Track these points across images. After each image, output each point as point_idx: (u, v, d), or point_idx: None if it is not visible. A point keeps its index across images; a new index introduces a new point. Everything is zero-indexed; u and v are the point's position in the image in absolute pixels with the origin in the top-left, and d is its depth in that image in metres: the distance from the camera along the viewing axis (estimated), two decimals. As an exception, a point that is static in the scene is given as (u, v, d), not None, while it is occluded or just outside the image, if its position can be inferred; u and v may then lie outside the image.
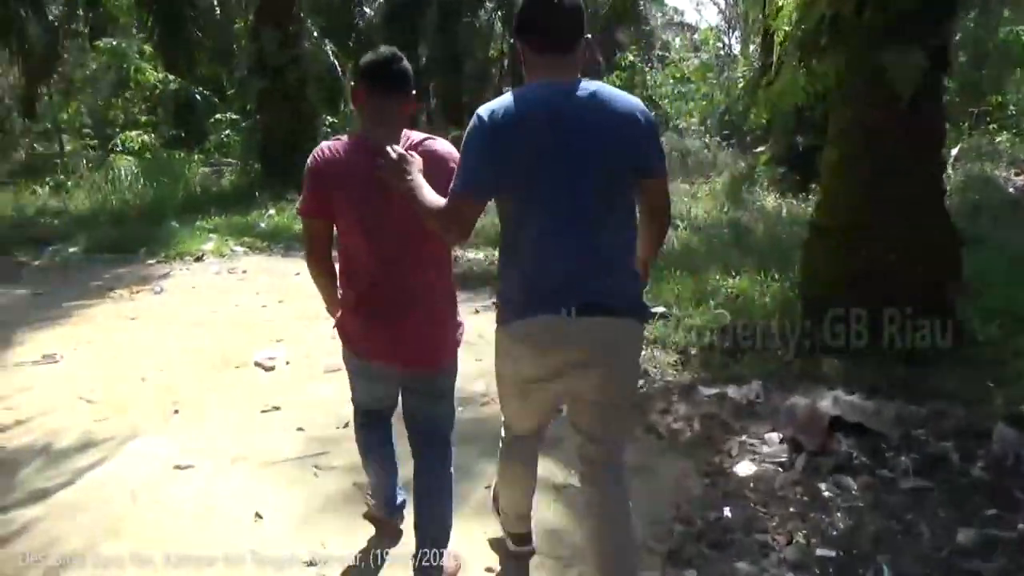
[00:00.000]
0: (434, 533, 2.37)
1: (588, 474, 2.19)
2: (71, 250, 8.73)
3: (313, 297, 2.63)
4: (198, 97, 18.18)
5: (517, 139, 1.94)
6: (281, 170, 13.21)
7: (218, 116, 16.60)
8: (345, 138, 2.31)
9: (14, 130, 21.97)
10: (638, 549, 2.43)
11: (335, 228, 2.32)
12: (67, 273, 7.81)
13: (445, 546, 2.39)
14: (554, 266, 1.96)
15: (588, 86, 1.98)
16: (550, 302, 1.95)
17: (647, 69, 23.65)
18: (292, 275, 7.28)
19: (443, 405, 2.49)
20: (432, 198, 2.02)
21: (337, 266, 2.42)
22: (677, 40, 34.73)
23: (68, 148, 18.50)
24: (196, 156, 16.04)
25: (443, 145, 2.30)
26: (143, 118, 19.16)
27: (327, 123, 17.02)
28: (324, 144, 2.30)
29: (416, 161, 2.11)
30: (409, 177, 2.05)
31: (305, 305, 5.82)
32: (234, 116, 16.43)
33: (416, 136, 2.28)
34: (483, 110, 1.98)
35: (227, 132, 16.20)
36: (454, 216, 1.99)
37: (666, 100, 23.37)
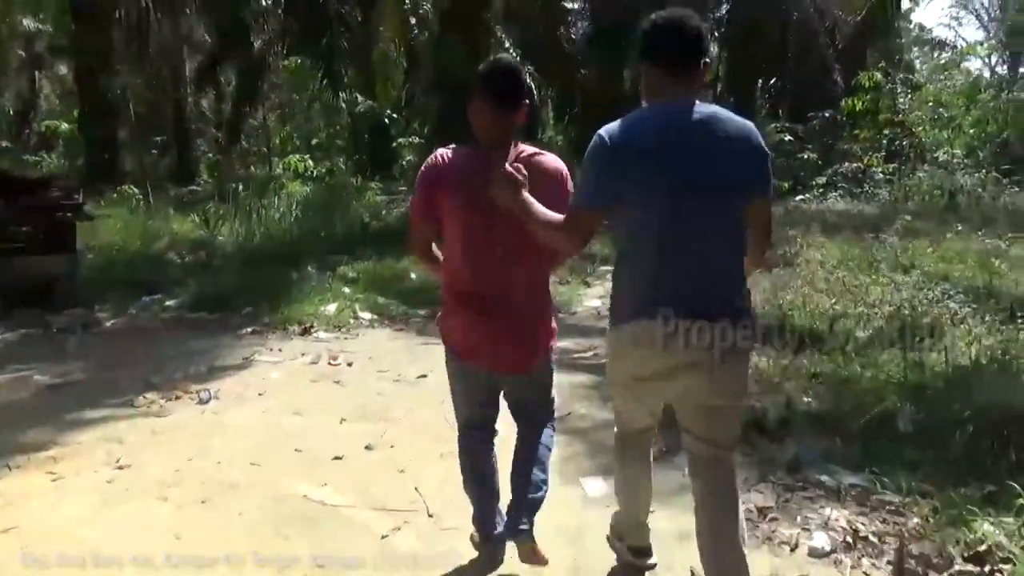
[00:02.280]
0: (530, 503, 2.37)
1: (698, 471, 2.13)
2: (168, 303, 6.60)
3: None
4: (387, 120, 16.48)
5: (635, 159, 1.95)
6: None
7: (401, 140, 14.60)
8: (454, 147, 2.29)
9: (230, 152, 21.65)
10: (744, 541, 2.10)
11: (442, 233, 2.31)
12: (131, 344, 5.54)
13: (537, 510, 2.38)
14: (668, 277, 1.97)
15: (704, 109, 1.97)
16: (663, 308, 1.94)
17: (897, 91, 19.11)
18: (413, 377, 4.54)
19: (544, 393, 2.48)
20: (546, 212, 2.06)
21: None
22: (918, 61, 29.15)
23: (278, 171, 17.49)
24: (373, 184, 14.18)
25: (552, 160, 2.30)
26: (338, 142, 17.96)
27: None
28: (438, 151, 2.30)
29: (525, 178, 2.09)
30: (521, 194, 2.08)
31: (402, 465, 3.05)
32: (419, 140, 14.31)
33: (527, 149, 2.27)
34: (604, 131, 1.99)
35: (409, 158, 14.10)
36: (572, 228, 2.03)
37: (920, 127, 18.69)
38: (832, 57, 21.27)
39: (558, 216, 2.02)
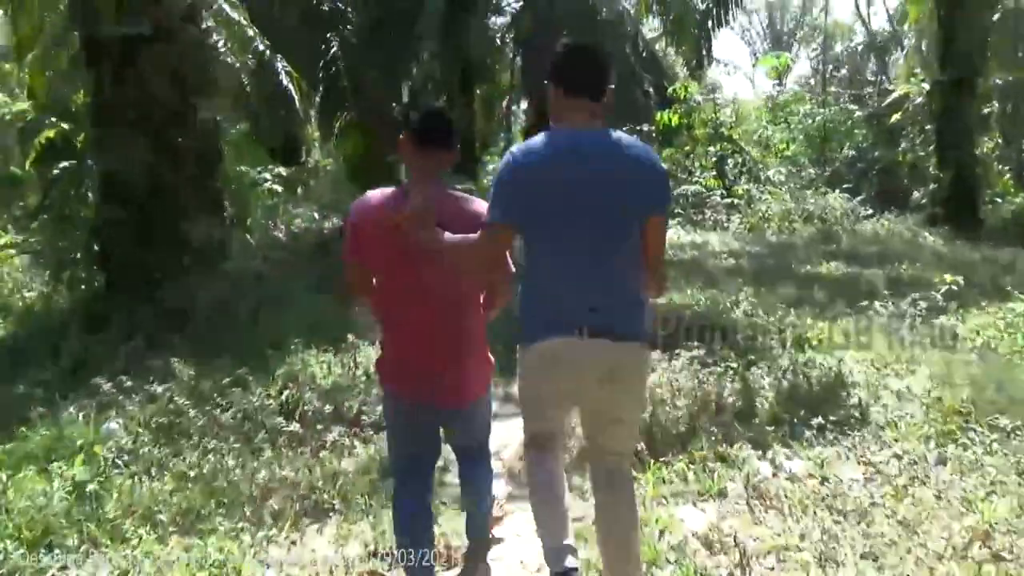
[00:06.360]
0: (480, 523, 2.50)
1: (599, 481, 2.25)
2: None
3: None
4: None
5: (542, 179, 2.02)
6: (145, 286, 5.20)
7: (64, 164, 8.38)
8: (389, 190, 2.27)
9: None
10: (639, 544, 2.31)
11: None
12: None
13: (488, 533, 2.56)
14: (571, 295, 2.04)
15: (610, 134, 2.08)
16: (567, 326, 2.02)
17: (718, 103, 16.56)
18: None
19: (482, 428, 2.48)
20: (458, 238, 2.04)
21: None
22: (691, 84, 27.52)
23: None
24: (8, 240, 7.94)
25: (479, 205, 2.25)
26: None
27: (269, 179, 9.16)
28: (368, 193, 2.28)
29: (431, 212, 2.05)
30: (430, 229, 2.03)
31: None
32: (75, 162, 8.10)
33: (456, 193, 2.29)
34: (515, 149, 2.09)
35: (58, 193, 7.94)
36: (487, 242, 2.03)
37: (741, 141, 16.27)
38: (640, 65, 18.15)
39: (472, 235, 2.03)
